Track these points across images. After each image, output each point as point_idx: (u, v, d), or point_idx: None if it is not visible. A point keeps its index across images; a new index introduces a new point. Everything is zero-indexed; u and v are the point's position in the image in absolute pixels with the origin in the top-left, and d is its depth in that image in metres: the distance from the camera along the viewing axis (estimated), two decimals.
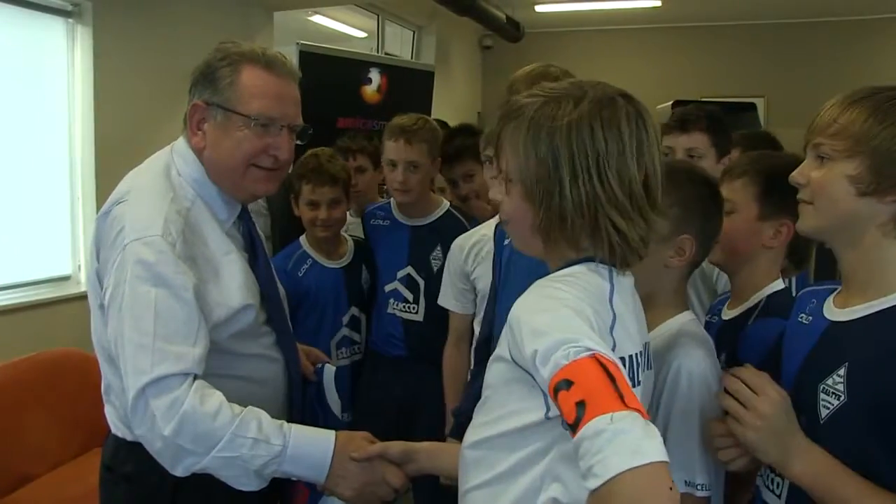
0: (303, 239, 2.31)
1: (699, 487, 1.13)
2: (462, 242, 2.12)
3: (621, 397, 0.75)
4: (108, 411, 1.38)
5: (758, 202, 1.36)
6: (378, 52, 5.79)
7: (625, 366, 0.90)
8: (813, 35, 6.79)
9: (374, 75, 3.43)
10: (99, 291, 1.30)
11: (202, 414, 1.18)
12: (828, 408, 1.02)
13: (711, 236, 1.27)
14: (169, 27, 3.77)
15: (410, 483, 1.32)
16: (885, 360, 0.97)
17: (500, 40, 6.99)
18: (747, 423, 1.03)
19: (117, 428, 1.36)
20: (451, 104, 6.28)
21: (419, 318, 2.27)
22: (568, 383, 0.77)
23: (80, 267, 3.52)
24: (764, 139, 2.31)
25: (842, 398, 1.00)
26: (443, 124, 2.74)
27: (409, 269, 2.28)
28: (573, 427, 0.75)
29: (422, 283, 2.26)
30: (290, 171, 1.75)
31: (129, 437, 1.32)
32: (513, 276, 1.60)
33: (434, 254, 2.25)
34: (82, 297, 3.25)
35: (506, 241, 1.68)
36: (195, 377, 1.21)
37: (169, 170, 1.36)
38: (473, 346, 2.09)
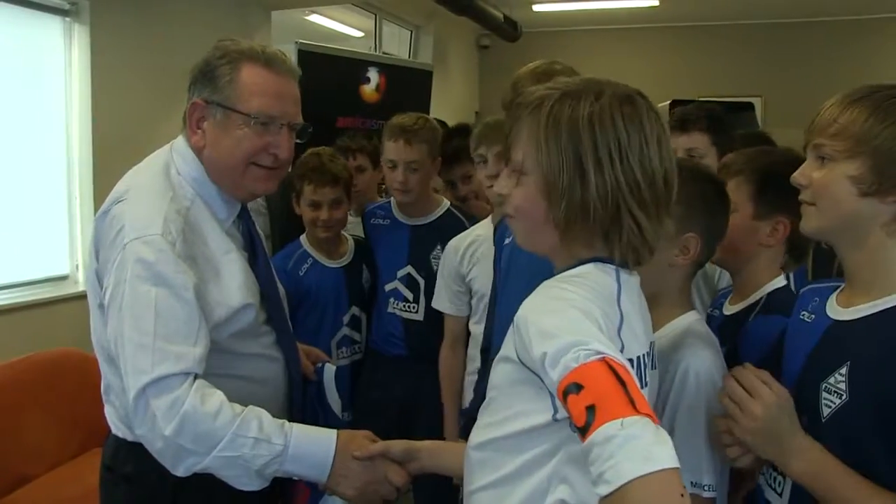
0: (303, 238, 2.30)
1: (706, 488, 1.13)
2: (456, 244, 2.12)
3: (632, 402, 0.74)
4: (108, 411, 1.38)
5: (753, 201, 1.36)
6: (376, 51, 5.78)
7: (633, 367, 0.89)
8: (810, 35, 6.81)
9: (373, 75, 3.42)
10: (98, 291, 1.30)
11: (203, 414, 1.17)
12: (829, 406, 1.02)
13: (717, 235, 1.26)
14: (166, 26, 3.76)
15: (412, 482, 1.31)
16: (888, 359, 0.97)
17: (497, 40, 6.99)
18: (741, 425, 1.04)
19: (117, 428, 1.36)
20: (448, 104, 6.28)
21: (419, 317, 2.26)
22: (577, 387, 0.76)
23: (77, 266, 3.51)
24: (759, 140, 2.31)
25: (843, 397, 1.00)
26: (441, 124, 2.74)
27: (410, 269, 2.28)
28: (583, 431, 0.74)
29: (422, 282, 2.26)
30: (290, 170, 1.75)
31: (129, 438, 1.32)
32: (513, 277, 1.60)
33: (434, 253, 2.25)
34: (80, 297, 3.29)
35: (506, 241, 1.68)
36: (196, 377, 1.20)
37: (168, 169, 1.35)
38: (479, 347, 2.09)
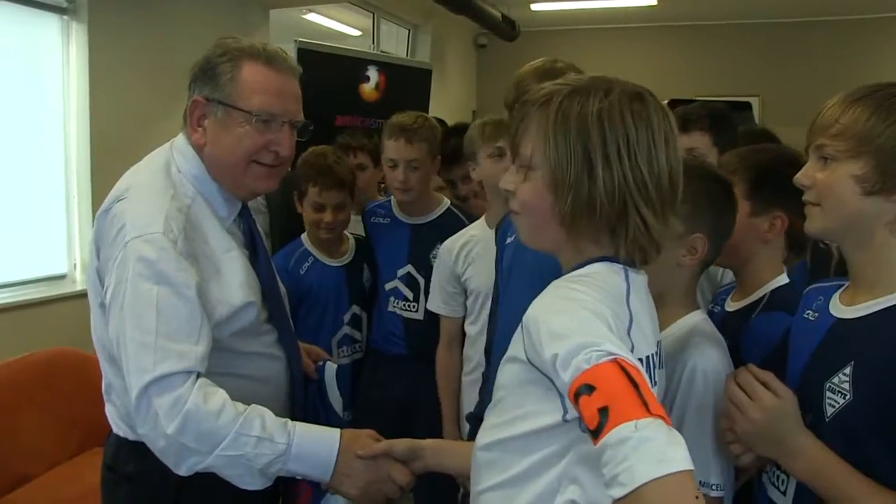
0: (304, 237, 2.30)
1: (714, 487, 1.13)
2: (450, 245, 2.12)
3: (645, 404, 0.74)
4: (109, 411, 1.37)
5: (749, 199, 1.36)
6: (374, 50, 5.78)
7: (642, 367, 0.88)
8: (807, 34, 6.82)
9: (373, 73, 3.41)
10: (99, 290, 1.29)
11: (206, 412, 1.17)
12: (833, 406, 1.02)
13: (724, 234, 1.26)
14: (164, 24, 3.75)
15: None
16: (891, 358, 0.96)
17: (495, 39, 6.99)
18: (740, 427, 1.05)
19: (119, 427, 1.35)
20: (446, 103, 6.27)
21: (419, 316, 2.26)
22: (590, 388, 0.76)
23: (75, 265, 3.50)
24: (763, 137, 2.31)
25: (848, 397, 1.00)
26: (440, 123, 2.73)
27: (410, 268, 2.28)
28: (595, 433, 0.74)
29: (422, 281, 2.25)
30: (291, 169, 1.74)
31: (130, 437, 1.31)
32: (516, 277, 1.60)
33: (434, 252, 2.24)
34: (78, 296, 3.28)
35: (508, 241, 1.67)
36: (198, 375, 1.19)
37: (169, 167, 1.35)
38: (475, 347, 2.09)
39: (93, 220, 1.37)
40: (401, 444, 1.29)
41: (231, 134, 1.33)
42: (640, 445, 0.71)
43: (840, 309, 1.08)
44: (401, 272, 2.28)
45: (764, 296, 1.37)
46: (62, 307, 3.28)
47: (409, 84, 3.62)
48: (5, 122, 3.18)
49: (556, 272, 1.01)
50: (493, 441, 0.98)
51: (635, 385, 0.75)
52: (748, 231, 1.36)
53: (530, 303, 0.92)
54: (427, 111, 3.06)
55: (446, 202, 2.35)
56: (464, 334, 2.18)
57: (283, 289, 1.53)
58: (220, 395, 1.20)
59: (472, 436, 1.81)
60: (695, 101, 2.29)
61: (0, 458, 2.45)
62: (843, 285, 1.11)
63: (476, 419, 1.79)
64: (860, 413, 0.99)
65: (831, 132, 1.03)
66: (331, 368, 1.58)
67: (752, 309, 1.38)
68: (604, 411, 0.74)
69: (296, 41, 3.12)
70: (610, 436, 0.72)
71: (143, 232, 1.22)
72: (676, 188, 0.97)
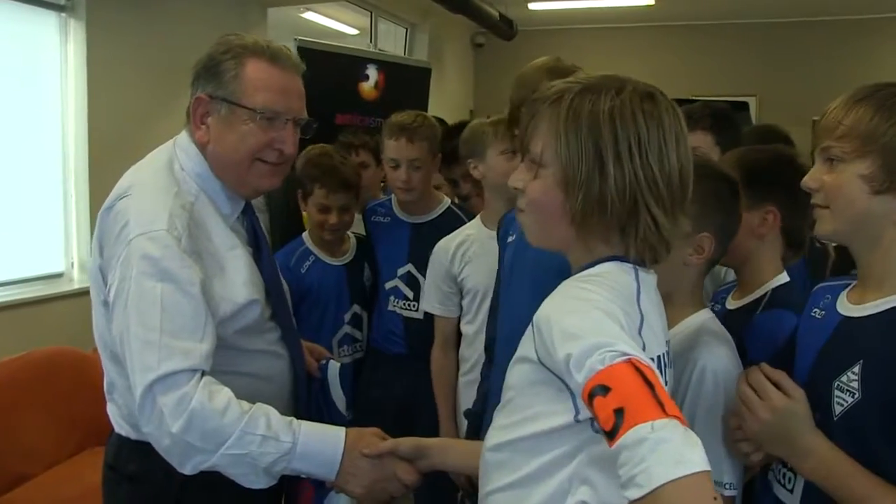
0: (305, 235, 2.29)
1: (727, 486, 1.13)
2: (446, 244, 2.12)
3: (660, 405, 0.73)
4: (111, 410, 1.36)
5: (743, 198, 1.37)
6: (372, 49, 5.77)
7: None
8: (804, 34, 6.84)
9: (372, 72, 3.41)
10: (102, 287, 1.28)
11: (211, 410, 1.16)
12: (842, 404, 1.02)
13: (730, 233, 1.26)
14: (163, 22, 3.75)
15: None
16: None
17: (492, 38, 6.99)
18: (749, 427, 1.05)
19: (120, 427, 1.34)
20: (443, 102, 6.27)
21: (419, 315, 2.25)
22: (604, 389, 0.75)
23: (73, 264, 3.49)
24: (773, 133, 2.31)
25: (856, 395, 1.00)
26: (440, 122, 2.73)
27: (410, 267, 2.27)
28: (610, 435, 0.74)
29: (422, 280, 2.24)
30: (294, 168, 1.73)
31: (132, 436, 1.31)
32: (517, 275, 1.59)
33: None
34: (76, 295, 3.27)
35: (509, 239, 1.67)
36: (203, 373, 1.19)
37: (172, 164, 1.34)
38: (472, 347, 2.09)
39: (91, 219, 1.36)
40: (406, 443, 1.29)
41: (235, 131, 1.32)
42: (658, 446, 0.71)
43: (848, 307, 1.08)
44: (401, 271, 2.27)
45: (765, 294, 1.38)
46: (59, 306, 3.27)
47: (408, 83, 3.62)
48: (3, 120, 3.17)
49: (557, 270, 1.01)
50: (503, 442, 0.98)
51: (650, 385, 0.75)
52: (743, 228, 1.37)
53: (531, 301, 0.92)
54: (426, 110, 3.06)
55: (447, 201, 2.35)
56: (459, 334, 2.17)
57: (285, 287, 1.52)
58: (224, 394, 1.19)
59: (469, 433, 1.81)
60: (695, 101, 2.29)
61: None
62: (850, 284, 1.11)
63: (474, 415, 1.79)
64: (869, 411, 0.99)
65: (836, 134, 1.03)
66: (334, 367, 1.57)
67: (754, 307, 1.38)
68: (619, 412, 0.73)
69: (296, 39, 3.12)
70: (626, 437, 0.72)
71: (147, 229, 1.21)
72: (687, 187, 0.97)
